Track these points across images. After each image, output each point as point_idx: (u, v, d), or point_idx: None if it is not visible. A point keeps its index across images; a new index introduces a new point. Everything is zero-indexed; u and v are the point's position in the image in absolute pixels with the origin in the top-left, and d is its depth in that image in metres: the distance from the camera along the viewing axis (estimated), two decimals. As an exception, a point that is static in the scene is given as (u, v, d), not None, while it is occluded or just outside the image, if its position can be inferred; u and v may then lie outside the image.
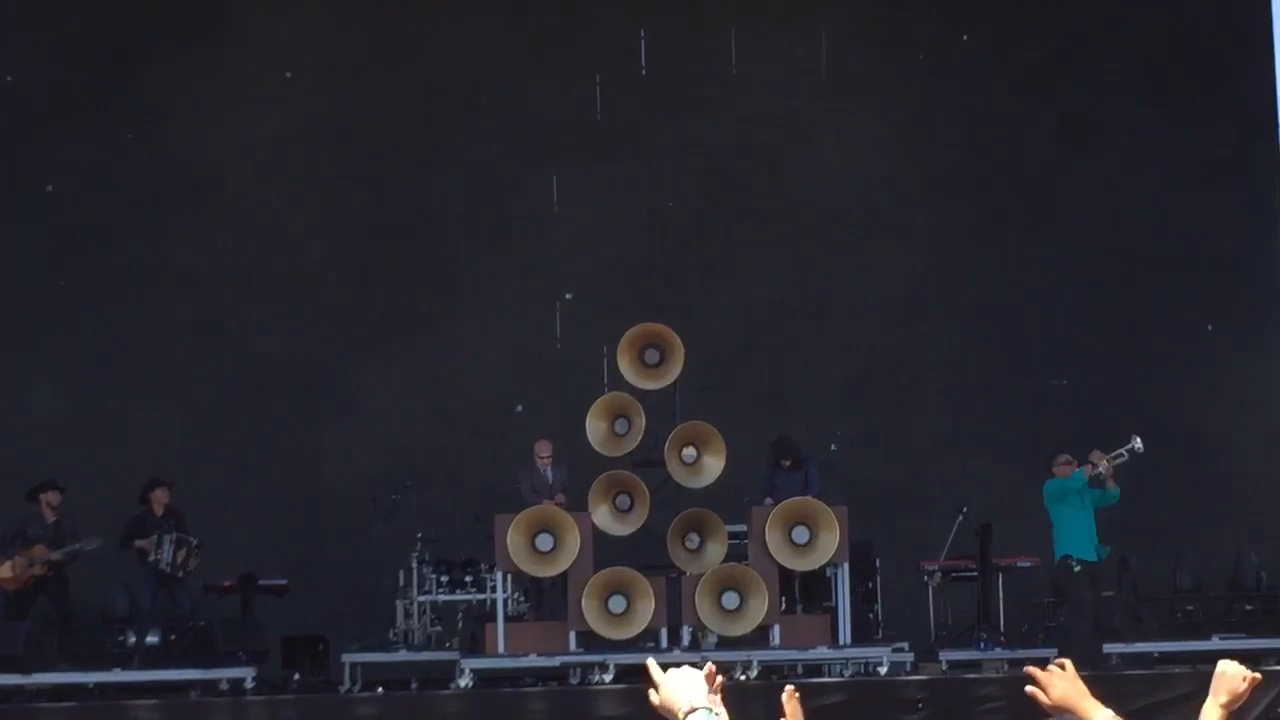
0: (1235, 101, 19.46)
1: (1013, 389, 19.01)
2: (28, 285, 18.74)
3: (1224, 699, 3.95)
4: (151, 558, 15.86)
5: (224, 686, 15.06)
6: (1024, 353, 19.05)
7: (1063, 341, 19.00)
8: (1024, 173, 19.33)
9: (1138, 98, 19.36)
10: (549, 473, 16.16)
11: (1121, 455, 14.70)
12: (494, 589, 15.74)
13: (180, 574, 15.97)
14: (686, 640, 15.10)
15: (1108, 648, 15.21)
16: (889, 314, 19.16)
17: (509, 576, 15.64)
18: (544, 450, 16.24)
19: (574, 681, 14.86)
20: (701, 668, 3.68)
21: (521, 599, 16.15)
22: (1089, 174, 19.30)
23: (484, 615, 15.99)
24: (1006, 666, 15.65)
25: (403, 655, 16.18)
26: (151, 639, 15.88)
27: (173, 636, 15.96)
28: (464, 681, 14.84)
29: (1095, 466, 14.71)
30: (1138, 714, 13.60)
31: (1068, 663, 3.96)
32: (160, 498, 16.14)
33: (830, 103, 19.41)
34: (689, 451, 15.27)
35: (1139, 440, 14.63)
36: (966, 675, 15.27)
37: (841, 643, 15.12)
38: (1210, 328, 19.18)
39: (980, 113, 19.35)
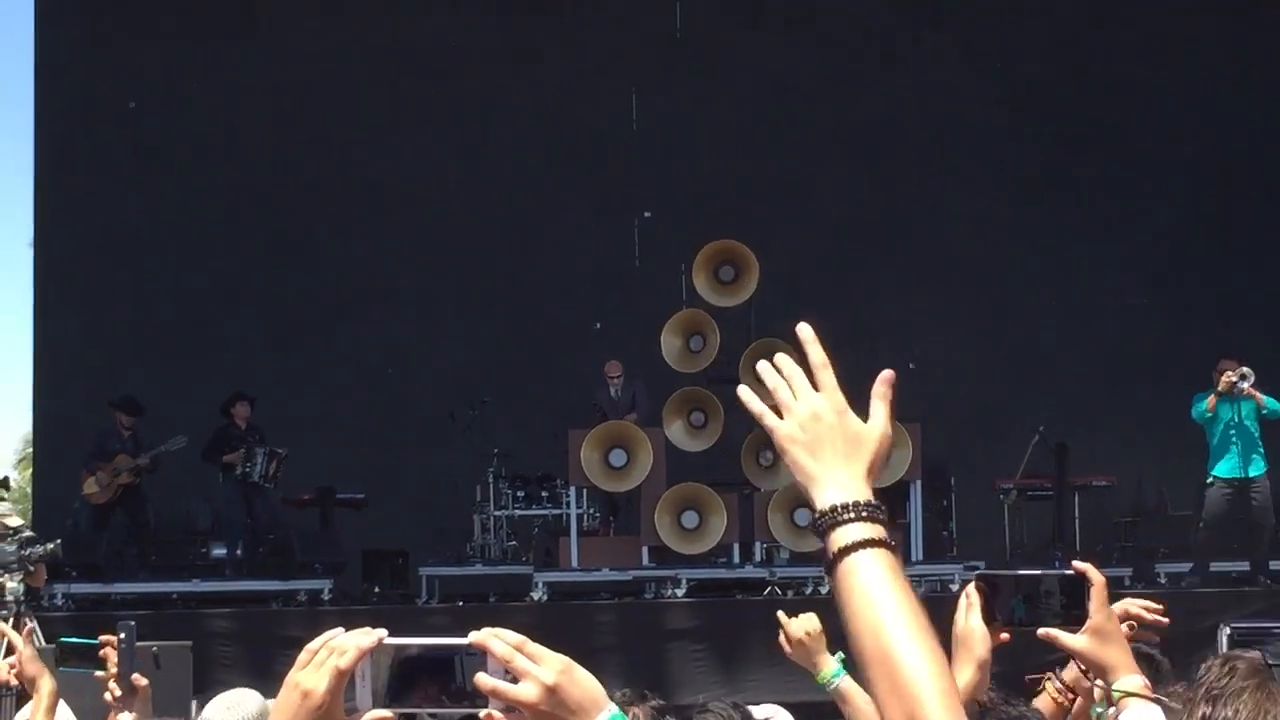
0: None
1: (1092, 308, 18.87)
2: (110, 199, 18.92)
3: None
4: (240, 470, 16.05)
5: (301, 598, 15.23)
6: (1104, 271, 18.90)
7: (1144, 260, 18.82)
8: (1108, 90, 19.10)
9: (1223, 13, 19.13)
10: (618, 392, 16.23)
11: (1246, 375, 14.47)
12: (568, 504, 15.84)
13: (270, 485, 16.19)
14: (759, 556, 15.14)
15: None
16: (968, 233, 19.01)
17: (583, 492, 15.73)
18: (613, 371, 16.32)
19: (647, 596, 14.94)
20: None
21: (595, 514, 16.25)
22: (1175, 89, 19.08)
23: (558, 530, 16.12)
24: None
25: (479, 569, 16.34)
26: (231, 549, 16.20)
27: (260, 549, 16.20)
28: (538, 595, 14.94)
29: (1230, 381, 14.43)
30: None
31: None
32: (242, 412, 16.33)
33: (907, 23, 19.26)
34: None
35: (1246, 373, 14.41)
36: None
37: (914, 559, 15.11)
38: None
39: (1061, 32, 19.15)
